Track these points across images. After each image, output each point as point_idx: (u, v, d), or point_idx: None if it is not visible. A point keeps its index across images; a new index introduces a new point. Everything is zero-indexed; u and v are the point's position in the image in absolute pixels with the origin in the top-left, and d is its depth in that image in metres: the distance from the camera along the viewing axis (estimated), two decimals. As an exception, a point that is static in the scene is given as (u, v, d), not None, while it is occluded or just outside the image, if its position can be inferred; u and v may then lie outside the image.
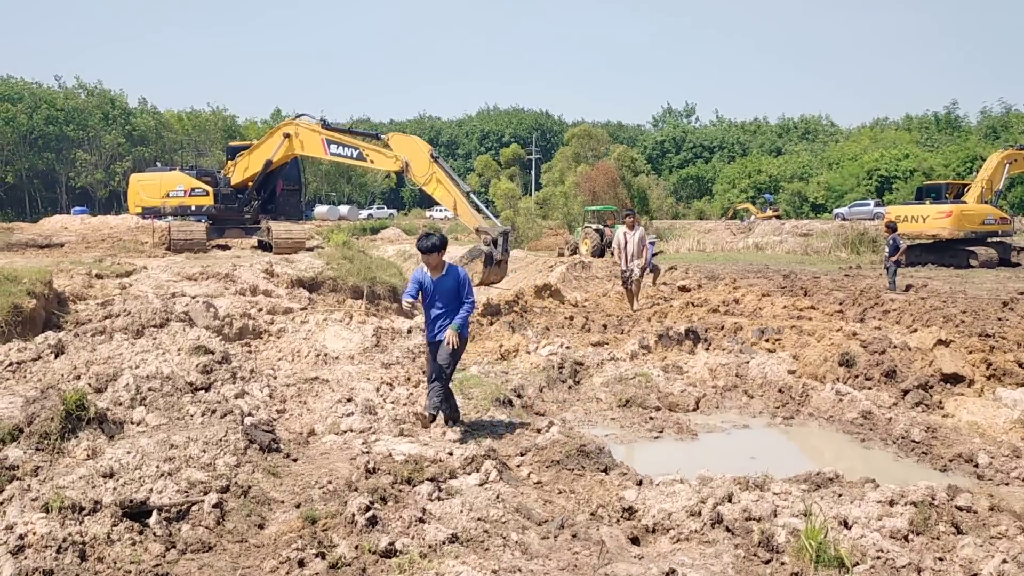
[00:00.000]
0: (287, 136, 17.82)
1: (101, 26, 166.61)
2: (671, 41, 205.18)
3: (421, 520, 4.64)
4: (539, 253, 35.47)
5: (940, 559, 4.20)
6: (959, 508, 4.84)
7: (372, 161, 16.43)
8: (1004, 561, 4.03)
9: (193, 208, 19.77)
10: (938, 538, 4.42)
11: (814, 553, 4.01)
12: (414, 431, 6.74)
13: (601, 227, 33.14)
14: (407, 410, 7.30)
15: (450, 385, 7.94)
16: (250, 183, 19.31)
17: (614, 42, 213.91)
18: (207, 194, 19.55)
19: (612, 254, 13.46)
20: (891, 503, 4.66)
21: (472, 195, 14.43)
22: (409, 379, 8.43)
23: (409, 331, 10.50)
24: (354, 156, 16.67)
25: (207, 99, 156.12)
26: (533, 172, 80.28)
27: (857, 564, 4.06)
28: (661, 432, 7.38)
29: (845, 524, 4.43)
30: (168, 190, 19.87)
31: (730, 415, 8.06)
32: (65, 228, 22.44)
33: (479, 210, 14.31)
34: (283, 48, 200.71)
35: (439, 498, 5.01)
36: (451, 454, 5.87)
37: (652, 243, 22.49)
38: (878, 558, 4.11)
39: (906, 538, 4.37)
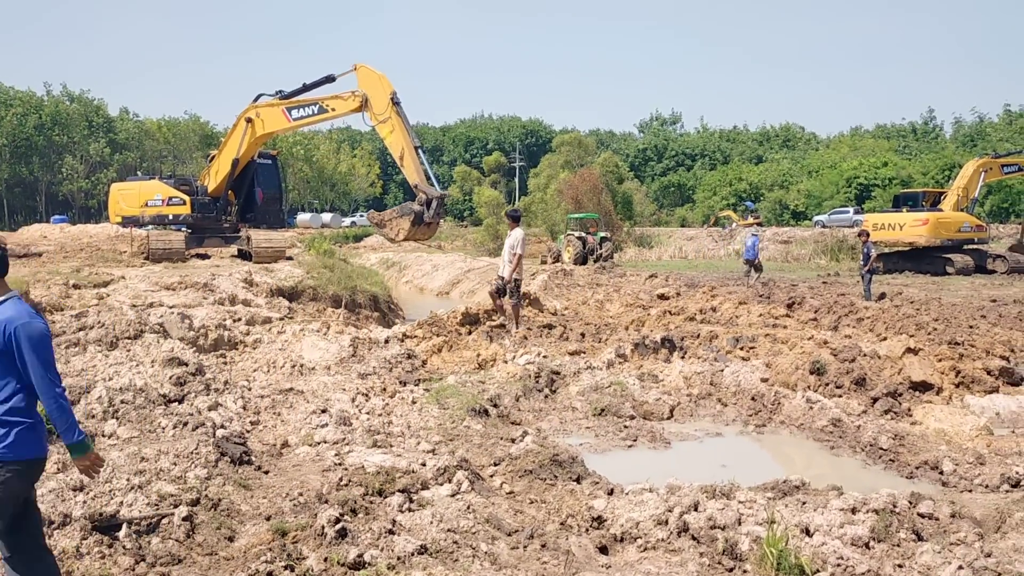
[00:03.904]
0: (249, 121, 17.54)
1: (80, 34, 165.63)
2: (659, 49, 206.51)
3: (391, 532, 4.68)
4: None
5: (899, 566, 4.30)
6: (921, 515, 4.93)
7: (333, 109, 16.05)
8: (960, 568, 4.12)
9: (171, 217, 19.65)
10: (898, 545, 4.51)
11: (775, 561, 4.09)
12: (388, 442, 6.79)
13: (584, 235, 33.28)
14: (382, 421, 7.35)
15: (427, 395, 8.01)
16: (225, 189, 19.18)
17: (605, 50, 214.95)
18: (184, 203, 19.42)
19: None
20: (853, 511, 4.75)
21: (421, 151, 14.34)
22: (385, 389, 8.46)
23: (386, 341, 10.54)
24: (316, 112, 16.39)
25: (185, 107, 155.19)
26: (517, 179, 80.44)
27: (818, 571, 4.14)
28: (635, 441, 7.45)
29: (807, 532, 4.51)
30: (147, 199, 19.78)
31: (704, 423, 8.15)
32: (44, 237, 22.30)
33: (425, 169, 14.24)
34: (267, 55, 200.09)
35: (410, 509, 5.06)
36: (424, 465, 5.91)
37: (753, 238, 22.85)
38: (838, 565, 4.19)
39: (867, 545, 4.46)
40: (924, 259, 27.44)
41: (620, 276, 24.89)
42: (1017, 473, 6.02)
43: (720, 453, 7.18)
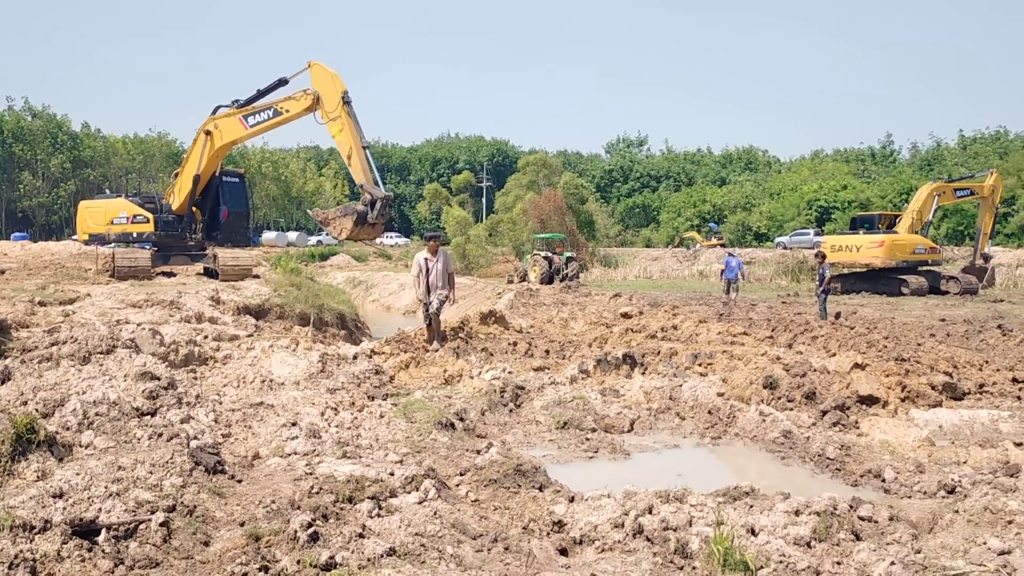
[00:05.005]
0: (208, 133, 17.64)
1: (40, 49, 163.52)
2: (627, 72, 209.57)
3: (361, 535, 4.89)
4: (489, 280, 35.86)
5: (838, 563, 4.61)
6: (861, 518, 5.26)
7: (287, 111, 16.19)
8: (892, 563, 4.45)
9: (135, 235, 19.62)
10: (838, 544, 4.83)
11: (721, 558, 4.38)
12: (357, 453, 6.99)
13: (550, 255, 33.70)
14: (351, 433, 7.54)
15: (395, 409, 8.21)
16: (188, 206, 19.19)
17: (574, 72, 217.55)
18: (148, 221, 19.40)
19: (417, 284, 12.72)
20: (797, 513, 5.06)
21: (369, 151, 14.53)
22: (354, 403, 8.64)
23: (355, 357, 10.73)
24: (271, 116, 16.54)
25: (151, 124, 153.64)
26: (484, 199, 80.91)
27: (761, 568, 4.44)
28: (596, 452, 7.73)
29: (753, 532, 4.82)
30: (112, 217, 19.76)
31: (662, 436, 8.46)
32: (4, 255, 22.11)
33: (372, 170, 14.44)
34: (236, 74, 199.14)
35: (379, 515, 5.27)
36: (392, 474, 6.12)
37: (734, 259, 23.36)
38: (781, 562, 4.49)
39: (808, 544, 4.77)
40: (880, 280, 28.27)
41: (585, 295, 25.30)
42: (953, 480, 6.39)
43: (677, 463, 7.48)
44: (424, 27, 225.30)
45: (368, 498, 5.48)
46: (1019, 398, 9.60)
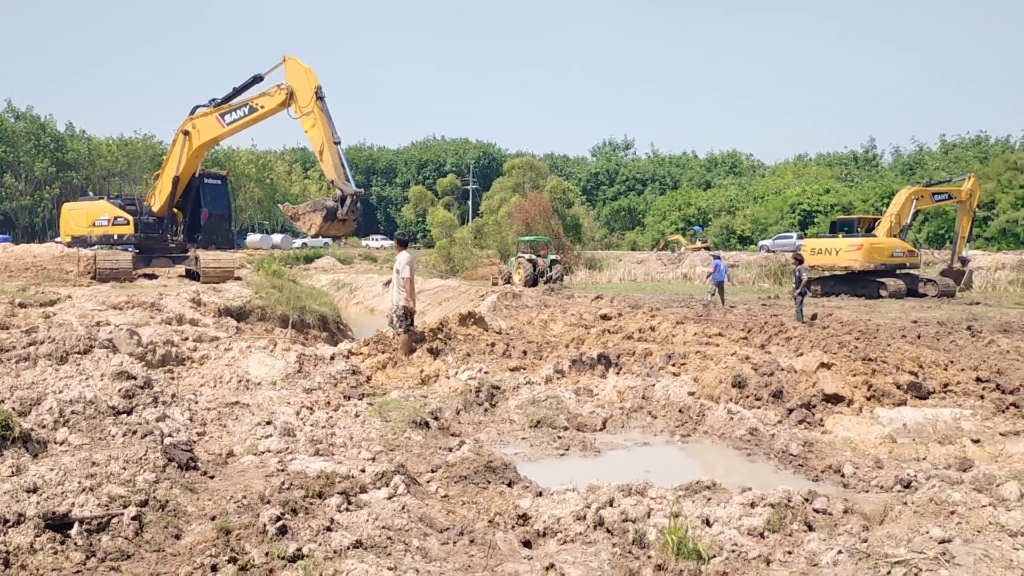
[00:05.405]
0: (186, 133, 17.74)
1: (26, 50, 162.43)
2: (614, 76, 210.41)
3: (329, 529, 5.03)
4: (474, 283, 36.00)
5: (788, 552, 4.79)
6: (816, 510, 5.45)
7: (262, 107, 16.31)
8: (839, 552, 4.63)
9: (116, 237, 19.67)
10: (791, 535, 5.01)
11: (675, 547, 4.55)
12: (330, 451, 7.12)
13: (534, 257, 33.88)
14: (325, 432, 7.67)
15: (371, 408, 8.34)
16: (169, 207, 19.26)
17: (561, 74, 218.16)
18: (128, 223, 19.46)
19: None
20: (752, 505, 5.24)
21: (341, 148, 14.65)
22: (329, 403, 8.77)
23: (332, 357, 10.85)
24: (247, 113, 16.69)
25: (136, 126, 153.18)
26: (471, 202, 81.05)
27: (714, 556, 4.61)
28: (567, 450, 7.90)
29: (707, 523, 4.99)
30: (94, 219, 19.79)
31: (633, 434, 8.63)
32: (-14, 256, 22.05)
33: (343, 166, 14.54)
34: (223, 73, 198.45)
35: (347, 509, 5.41)
36: (363, 471, 6.26)
37: (723, 262, 23.65)
38: (733, 551, 4.67)
39: (762, 535, 4.95)
40: (859, 283, 28.60)
41: (568, 298, 25.48)
42: (909, 475, 6.60)
43: (646, 460, 7.65)
44: (410, 29, 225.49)
45: (338, 493, 5.62)
46: (982, 397, 9.82)
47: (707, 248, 58.01)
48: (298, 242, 72.63)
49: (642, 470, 7.13)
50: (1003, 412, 9.14)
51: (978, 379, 10.30)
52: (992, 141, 72.11)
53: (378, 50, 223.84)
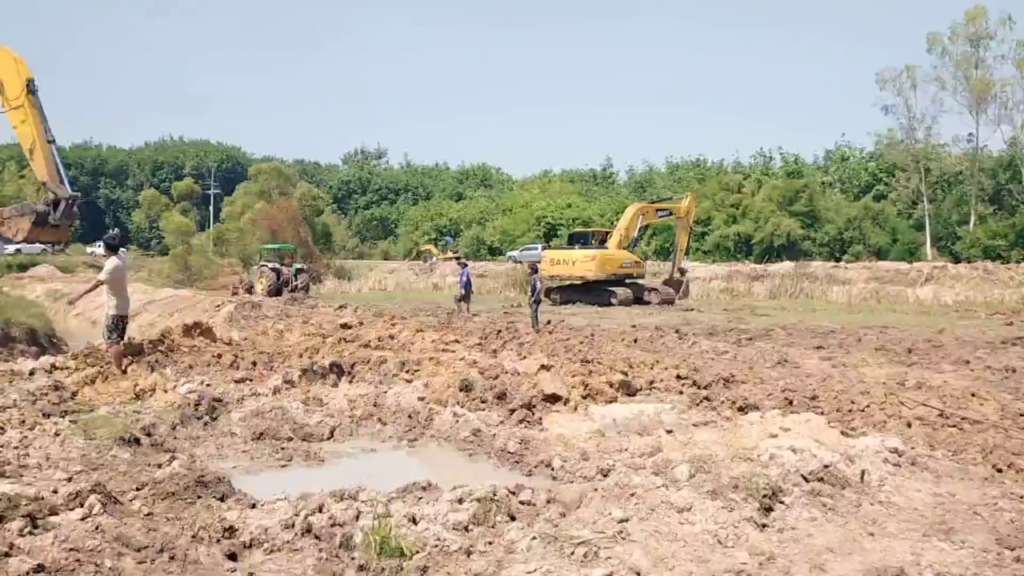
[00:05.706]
0: None
1: None
2: (367, 82, 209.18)
3: (7, 554, 4.52)
4: (214, 293, 34.07)
5: (490, 543, 5.03)
6: (522, 502, 5.77)
7: None
8: (534, 538, 4.95)
9: None
10: (494, 526, 5.26)
11: (378, 546, 4.62)
12: (19, 473, 6.40)
13: (279, 266, 32.79)
14: (17, 453, 6.88)
15: (73, 426, 7.58)
16: None
17: (313, 79, 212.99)
18: None
19: None
20: (460, 501, 5.45)
21: (55, 148, 13.54)
22: (24, 422, 7.89)
23: (31, 372, 9.80)
24: None
25: None
26: (212, 208, 76.70)
27: (417, 552, 4.74)
28: (290, 461, 7.73)
29: (414, 521, 5.12)
30: None
31: (362, 441, 8.63)
32: None
33: (57, 167, 13.48)
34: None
35: (32, 533, 4.90)
36: (56, 491, 5.71)
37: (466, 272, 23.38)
38: (436, 546, 4.83)
39: (466, 528, 5.16)
40: (593, 291, 30.84)
41: (312, 308, 24.92)
42: (608, 465, 7.20)
43: (370, 466, 7.68)
44: (144, 16, 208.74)
45: (21, 516, 5.07)
46: (681, 392, 10.96)
47: (458, 258, 59.58)
48: (10, 248, 64.35)
49: (365, 476, 7.15)
50: (697, 405, 10.23)
51: (678, 376, 11.48)
52: (709, 164, 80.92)
53: (107, 40, 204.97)
